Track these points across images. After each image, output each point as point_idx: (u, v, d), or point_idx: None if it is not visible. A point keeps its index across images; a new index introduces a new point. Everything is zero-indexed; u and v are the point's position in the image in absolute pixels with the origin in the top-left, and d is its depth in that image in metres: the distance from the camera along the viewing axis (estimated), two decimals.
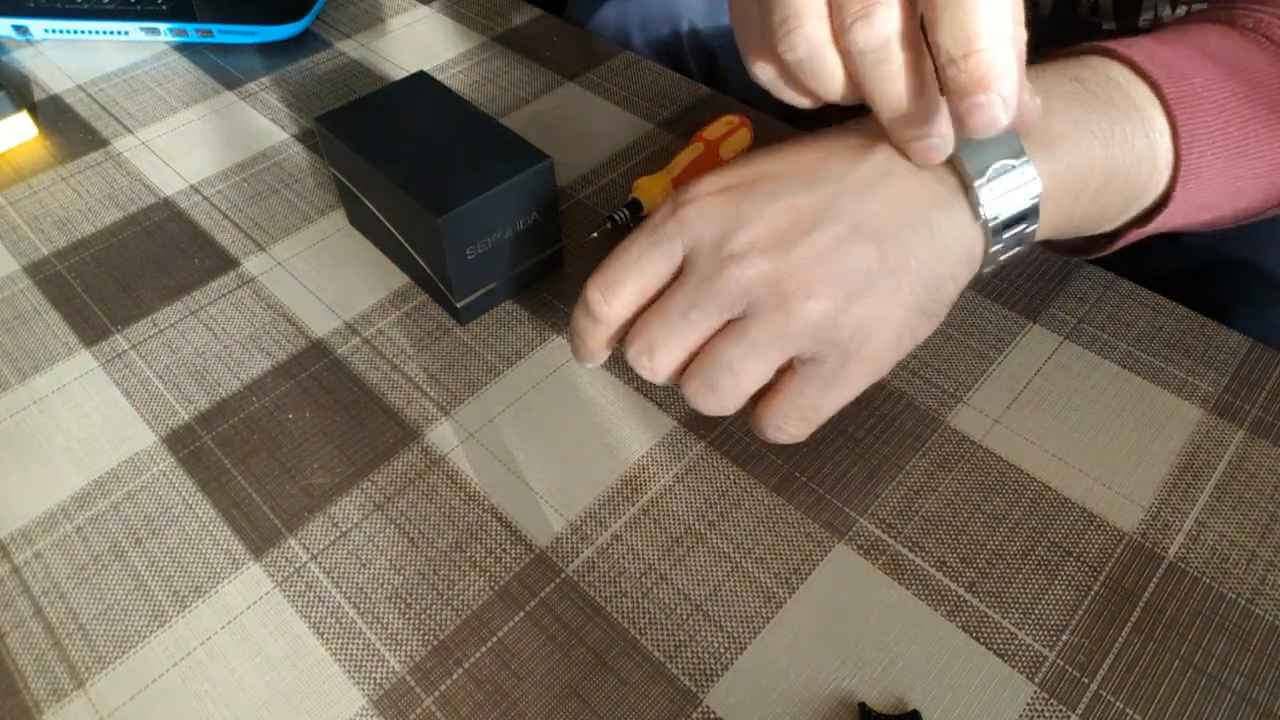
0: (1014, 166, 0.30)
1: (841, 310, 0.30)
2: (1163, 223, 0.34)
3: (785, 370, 0.32)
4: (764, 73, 0.34)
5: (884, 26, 0.28)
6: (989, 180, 0.31)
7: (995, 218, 0.31)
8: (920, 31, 0.29)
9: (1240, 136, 0.33)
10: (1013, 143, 0.31)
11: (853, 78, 0.30)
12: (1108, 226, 0.35)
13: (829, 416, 0.33)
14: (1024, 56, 0.28)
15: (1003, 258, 0.33)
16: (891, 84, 0.29)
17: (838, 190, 0.31)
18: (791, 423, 0.33)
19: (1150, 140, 0.32)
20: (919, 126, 0.30)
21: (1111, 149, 0.32)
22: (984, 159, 0.31)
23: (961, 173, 0.31)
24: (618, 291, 0.33)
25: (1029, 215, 0.32)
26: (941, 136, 0.30)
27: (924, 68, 0.29)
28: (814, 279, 0.30)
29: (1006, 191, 0.31)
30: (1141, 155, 0.32)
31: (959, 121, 0.28)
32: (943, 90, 0.29)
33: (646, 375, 0.33)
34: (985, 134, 0.29)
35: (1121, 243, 0.36)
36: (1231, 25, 0.35)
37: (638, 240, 0.33)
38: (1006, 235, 0.32)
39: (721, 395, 0.32)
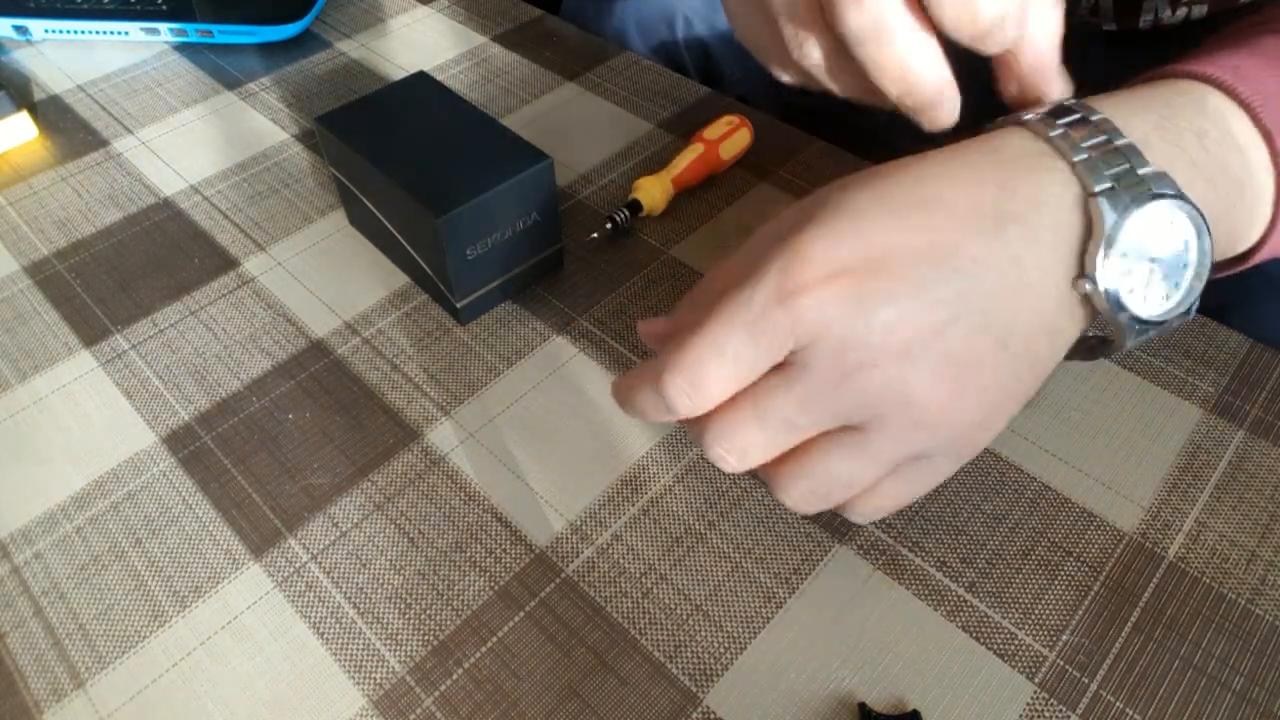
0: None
1: (974, 421, 0.28)
2: (1244, 265, 0.33)
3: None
4: (789, 77, 0.34)
5: (873, 8, 0.27)
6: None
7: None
8: (917, 6, 0.28)
9: None
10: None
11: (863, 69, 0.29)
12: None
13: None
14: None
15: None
16: (893, 59, 0.28)
17: (970, 284, 0.27)
18: (884, 513, 0.31)
19: (1253, 213, 0.30)
20: (930, 102, 0.29)
21: (1218, 230, 0.29)
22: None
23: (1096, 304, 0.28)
24: (706, 389, 0.27)
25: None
26: (949, 100, 0.29)
27: (926, 42, 0.28)
28: (947, 392, 0.27)
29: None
30: (1239, 230, 0.30)
31: (1021, 85, 0.28)
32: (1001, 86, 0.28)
33: (729, 470, 0.29)
34: (1062, 96, 0.28)
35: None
36: None
37: (733, 331, 0.27)
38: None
39: (829, 503, 0.30)
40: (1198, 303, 0.28)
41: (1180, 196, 0.27)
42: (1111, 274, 0.27)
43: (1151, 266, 0.27)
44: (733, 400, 0.28)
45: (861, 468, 0.28)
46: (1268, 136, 0.29)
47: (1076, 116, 0.28)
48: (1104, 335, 0.30)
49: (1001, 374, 0.27)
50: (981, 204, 0.27)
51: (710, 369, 0.27)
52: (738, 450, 0.28)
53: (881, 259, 0.26)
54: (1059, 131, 0.28)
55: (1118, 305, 0.27)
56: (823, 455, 0.28)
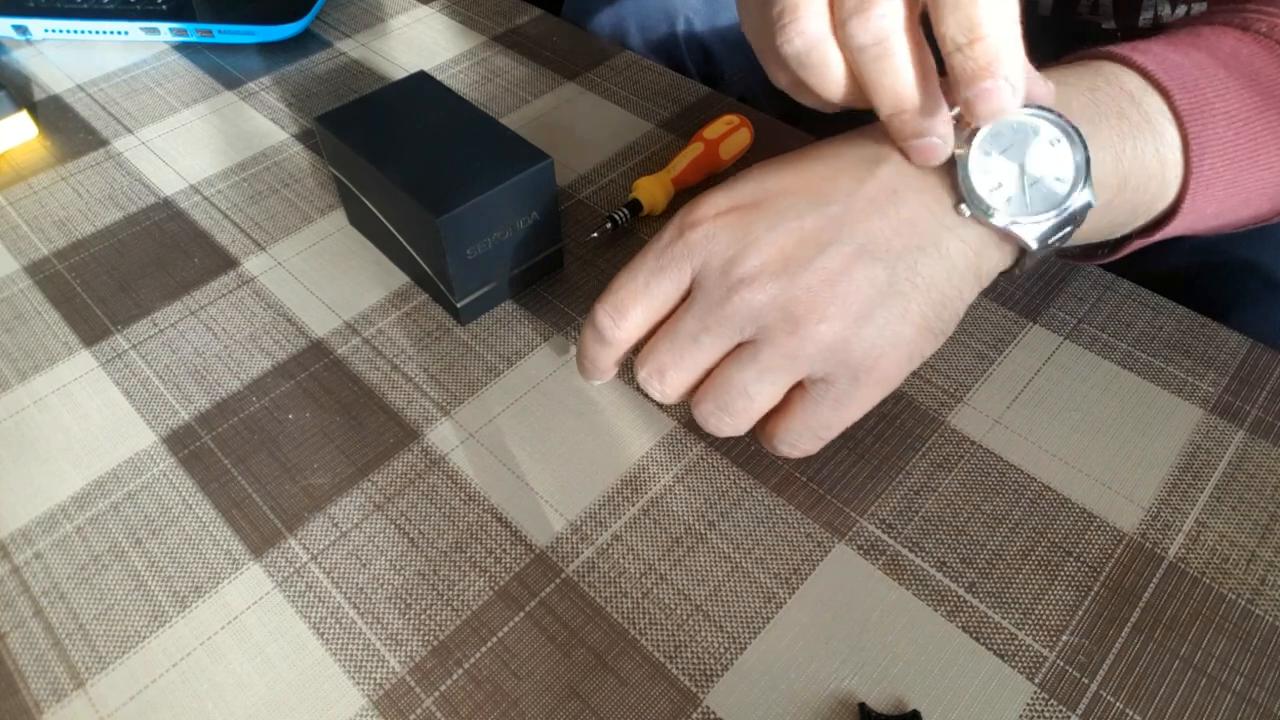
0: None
1: (852, 332, 0.30)
2: (1170, 231, 0.34)
3: (796, 389, 0.32)
4: (781, 78, 0.34)
5: (882, 21, 0.28)
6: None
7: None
8: (921, 26, 0.29)
9: (1251, 147, 0.33)
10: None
11: (853, 74, 0.30)
12: (1114, 235, 0.35)
13: (840, 431, 0.33)
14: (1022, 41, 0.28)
15: (1016, 271, 0.33)
16: (891, 79, 0.29)
17: (845, 210, 0.30)
18: (804, 440, 0.33)
19: (1160, 153, 0.32)
20: (920, 124, 0.30)
21: (1122, 162, 0.32)
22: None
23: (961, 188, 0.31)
24: (627, 315, 0.33)
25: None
26: (942, 137, 0.30)
27: (925, 64, 0.29)
28: (823, 302, 0.30)
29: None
30: (1151, 168, 0.32)
31: (967, 109, 0.28)
32: (950, 80, 0.28)
33: (657, 397, 0.33)
34: (993, 119, 0.29)
35: (1125, 251, 0.36)
36: (1245, 29, 0.35)
37: (645, 263, 0.32)
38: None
39: (735, 418, 0.32)
40: (1076, 217, 0.31)
41: (1052, 111, 0.30)
42: (981, 184, 0.30)
43: (1025, 179, 0.31)
44: (654, 332, 0.33)
45: (755, 376, 0.31)
46: (1163, 91, 0.32)
47: None
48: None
49: (883, 291, 0.30)
50: (863, 153, 0.32)
51: (626, 294, 0.33)
52: (657, 370, 0.33)
53: (764, 198, 0.31)
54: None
55: (985, 212, 0.30)
56: (723, 370, 0.32)
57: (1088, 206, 0.30)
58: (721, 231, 0.31)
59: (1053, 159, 0.30)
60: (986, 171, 0.30)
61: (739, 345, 0.31)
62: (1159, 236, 0.35)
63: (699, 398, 0.33)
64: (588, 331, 0.34)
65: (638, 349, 0.34)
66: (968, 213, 0.30)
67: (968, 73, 0.27)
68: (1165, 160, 0.32)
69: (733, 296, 0.30)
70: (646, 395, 0.34)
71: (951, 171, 0.30)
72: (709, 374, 0.32)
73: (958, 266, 0.31)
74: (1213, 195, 0.33)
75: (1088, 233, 0.33)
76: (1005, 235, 0.31)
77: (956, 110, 0.30)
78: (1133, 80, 0.32)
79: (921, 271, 0.30)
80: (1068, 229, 0.31)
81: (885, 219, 0.30)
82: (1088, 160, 0.30)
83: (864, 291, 0.30)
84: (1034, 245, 0.30)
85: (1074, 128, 0.30)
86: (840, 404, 0.32)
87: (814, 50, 0.29)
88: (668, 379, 0.33)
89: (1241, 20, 0.35)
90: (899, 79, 0.29)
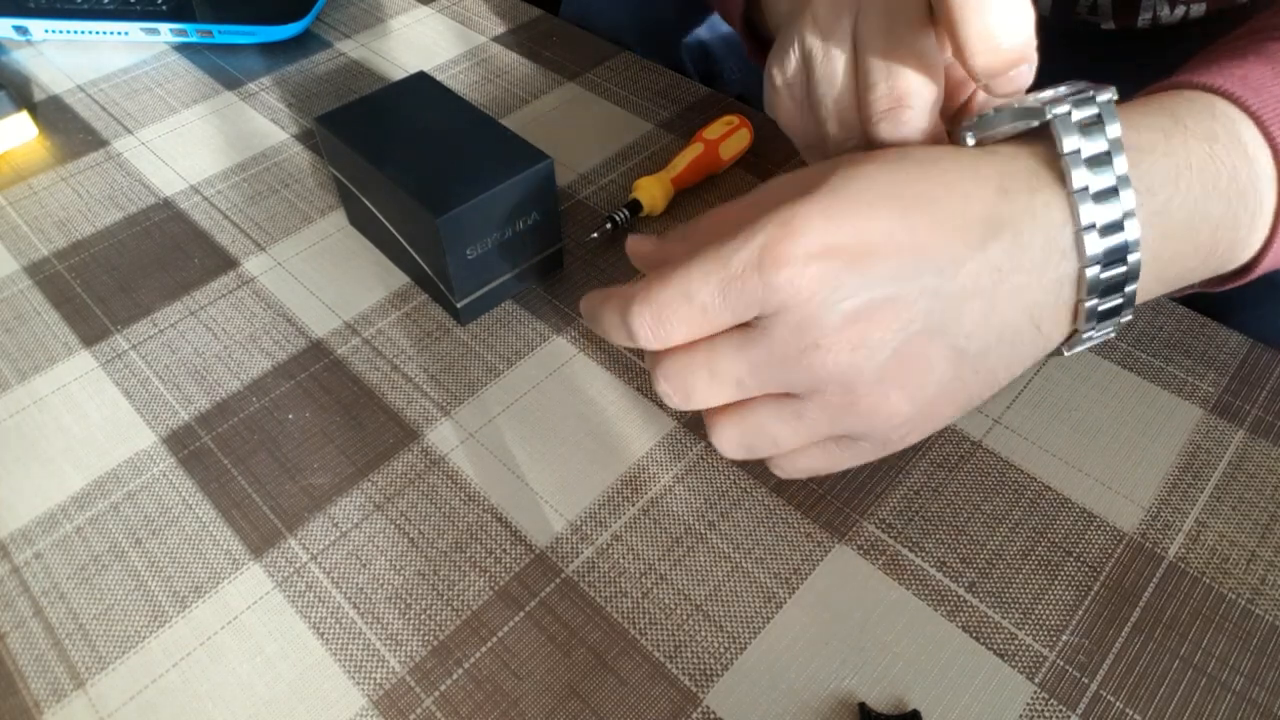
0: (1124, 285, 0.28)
1: (905, 414, 0.28)
2: (1229, 285, 0.33)
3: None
4: (793, 134, 0.36)
5: (906, 127, 0.30)
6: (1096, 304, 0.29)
7: (1093, 302, 0.29)
8: (939, 109, 0.30)
9: None
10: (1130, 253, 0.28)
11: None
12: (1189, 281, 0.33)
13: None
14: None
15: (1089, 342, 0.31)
16: (902, 134, 0.31)
17: (940, 287, 0.27)
18: (803, 475, 0.32)
19: (1255, 223, 0.30)
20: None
21: (1218, 236, 0.30)
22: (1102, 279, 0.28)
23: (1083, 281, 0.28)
24: (669, 331, 0.29)
25: (1124, 301, 0.29)
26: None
27: (937, 122, 0.31)
28: (889, 386, 0.28)
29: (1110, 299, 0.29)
30: (1241, 238, 0.30)
31: (990, 90, 0.28)
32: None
33: (670, 406, 0.31)
34: (1011, 94, 0.28)
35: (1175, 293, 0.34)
36: None
37: (708, 283, 0.28)
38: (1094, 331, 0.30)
39: (752, 455, 0.31)
40: (1131, 298, 0.29)
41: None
42: (1094, 242, 0.28)
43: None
44: (690, 345, 0.29)
45: (792, 433, 0.29)
46: (1275, 149, 0.29)
47: (1098, 152, 0.28)
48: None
49: (949, 380, 0.28)
50: (975, 210, 0.28)
51: (677, 311, 0.28)
52: (683, 392, 0.29)
53: (864, 249, 0.27)
54: (1070, 152, 0.27)
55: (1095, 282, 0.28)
56: (760, 413, 0.29)
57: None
58: (808, 284, 0.27)
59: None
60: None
61: (783, 393, 0.29)
62: (1221, 289, 0.33)
63: (722, 422, 0.30)
64: (614, 319, 0.30)
65: None
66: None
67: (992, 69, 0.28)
68: (1256, 224, 0.30)
69: (801, 360, 0.27)
70: (658, 396, 0.32)
71: (1062, 255, 0.28)
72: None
73: (1022, 354, 0.29)
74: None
75: (1153, 291, 0.32)
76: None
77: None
78: (1248, 130, 0.29)
79: (989, 359, 0.29)
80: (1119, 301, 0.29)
81: (979, 309, 0.28)
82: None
83: (930, 377, 0.28)
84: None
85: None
86: (855, 458, 0.31)
87: (850, 138, 0.32)
88: (692, 403, 0.30)
89: None
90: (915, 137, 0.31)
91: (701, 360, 0.29)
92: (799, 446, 0.30)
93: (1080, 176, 0.27)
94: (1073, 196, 0.27)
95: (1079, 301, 0.28)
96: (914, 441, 0.31)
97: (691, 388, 0.29)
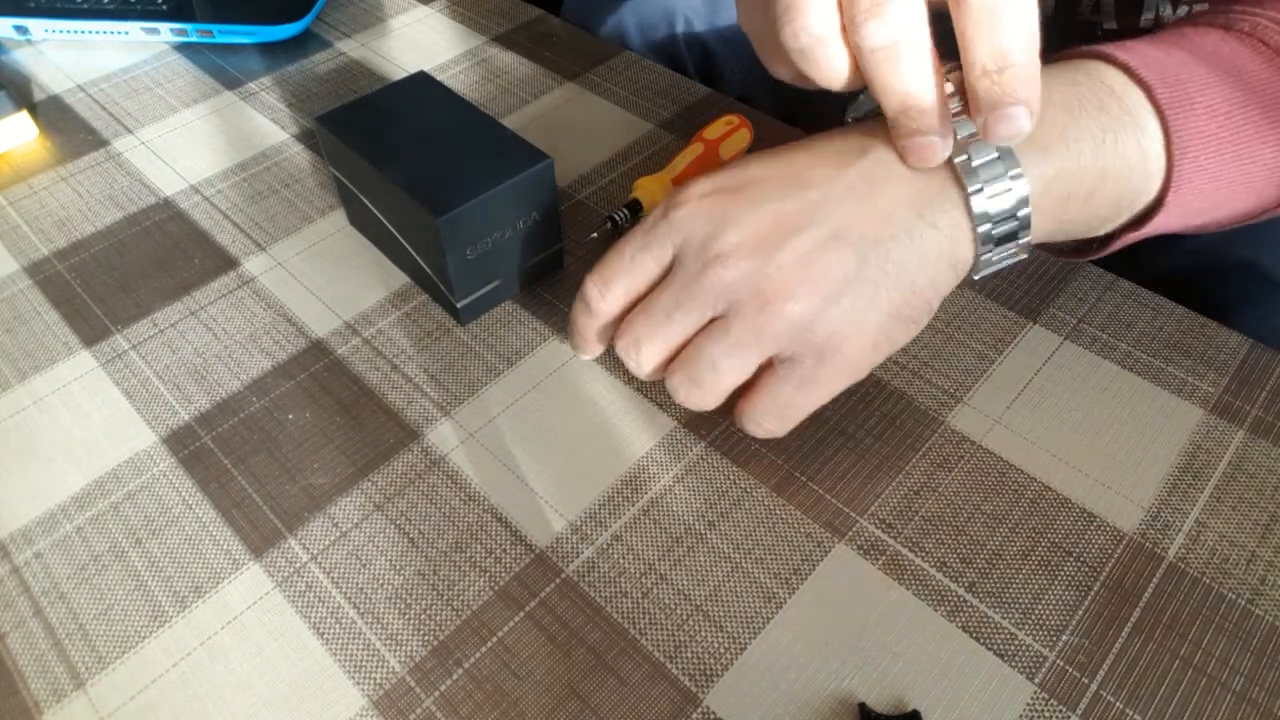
0: (1005, 174, 0.31)
1: (818, 313, 0.31)
2: (1156, 226, 0.34)
3: (766, 369, 0.33)
4: (782, 71, 0.34)
5: (896, 26, 0.28)
6: (981, 188, 0.31)
7: (983, 223, 0.31)
8: (929, 29, 0.29)
9: (1234, 141, 0.33)
10: (1008, 154, 0.31)
11: (860, 69, 0.30)
12: (1101, 230, 0.35)
13: (807, 414, 0.34)
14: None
15: (997, 265, 0.33)
16: (901, 81, 0.29)
17: (822, 196, 0.32)
18: (770, 419, 0.34)
19: (1142, 145, 0.32)
20: (924, 123, 0.30)
21: (1102, 154, 0.32)
22: (979, 170, 0.31)
23: (960, 178, 0.31)
24: (612, 287, 0.34)
25: (1020, 221, 0.32)
26: (942, 137, 0.30)
27: (933, 65, 0.29)
28: (793, 282, 0.31)
29: (995, 196, 0.31)
30: (1133, 161, 0.32)
31: (986, 130, 0.29)
32: (970, 99, 0.29)
33: (633, 368, 0.35)
34: (1012, 142, 0.30)
35: (1115, 246, 0.36)
36: (1228, 29, 0.35)
37: (632, 240, 0.34)
38: (1000, 244, 0.32)
39: (703, 390, 0.33)
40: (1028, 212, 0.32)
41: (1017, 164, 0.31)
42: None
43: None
44: (634, 307, 0.34)
45: (724, 351, 0.32)
46: (1144, 86, 0.32)
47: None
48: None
49: (852, 276, 0.31)
50: (845, 145, 0.33)
51: (614, 268, 0.34)
52: (633, 342, 0.34)
53: (746, 183, 0.33)
54: None
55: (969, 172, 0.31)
56: (694, 342, 0.33)
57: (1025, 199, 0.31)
58: (703, 212, 0.32)
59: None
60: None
61: (711, 321, 0.32)
62: (1147, 231, 0.35)
63: (671, 370, 0.34)
64: (577, 303, 0.36)
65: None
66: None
67: (993, 97, 0.28)
68: (1147, 152, 0.32)
69: (707, 272, 0.32)
70: (625, 367, 0.35)
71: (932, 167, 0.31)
72: (684, 348, 0.34)
73: (929, 256, 0.31)
74: (1197, 188, 0.33)
75: (1071, 226, 0.34)
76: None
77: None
78: (1114, 76, 0.33)
79: (893, 259, 0.31)
80: (1013, 223, 0.32)
81: (860, 206, 0.31)
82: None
83: (833, 275, 0.31)
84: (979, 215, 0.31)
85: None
86: (805, 384, 0.33)
87: (818, 47, 0.29)
88: (642, 350, 0.34)
89: (1225, 20, 0.36)
90: (908, 81, 0.29)
91: (640, 308, 0.34)
92: (738, 368, 0.32)
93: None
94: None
95: (964, 192, 0.31)
96: (860, 358, 0.32)
97: (635, 332, 0.34)
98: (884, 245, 0.31)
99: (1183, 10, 0.50)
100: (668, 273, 0.34)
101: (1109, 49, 0.33)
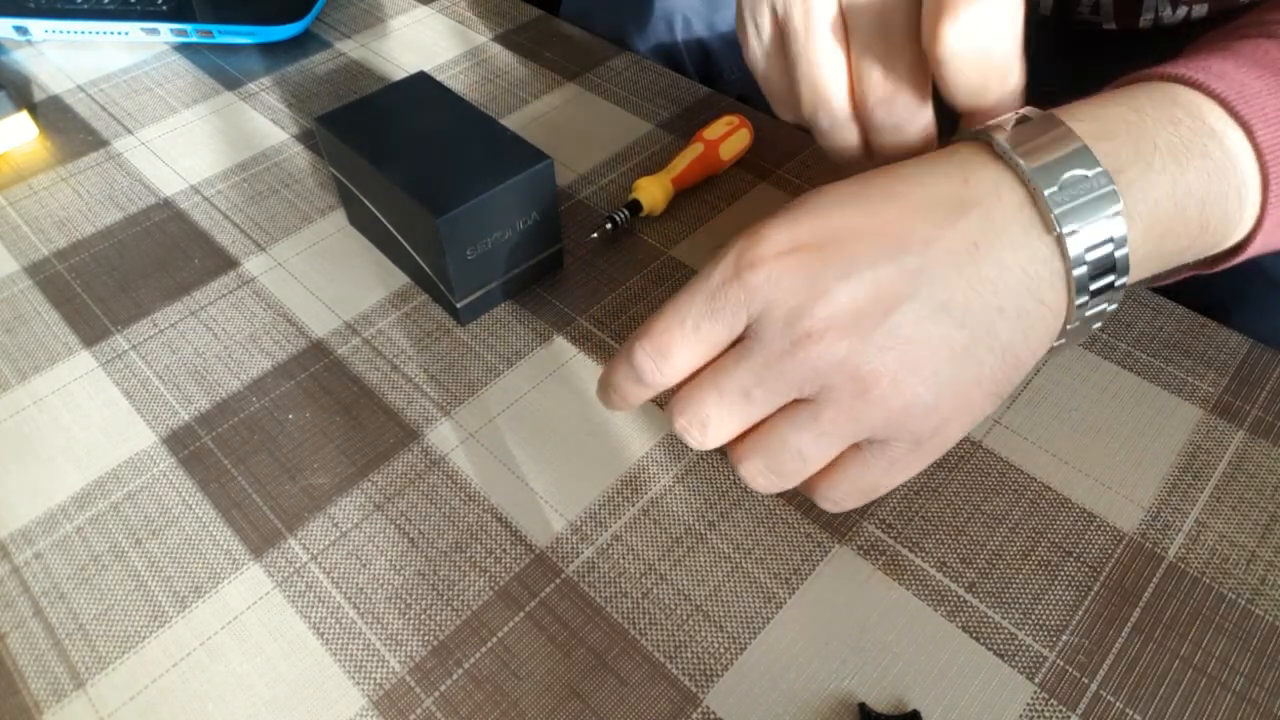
0: (1113, 249, 0.28)
1: (924, 403, 0.28)
2: (1224, 265, 0.33)
3: (849, 447, 0.30)
4: (788, 118, 0.36)
5: (902, 114, 0.31)
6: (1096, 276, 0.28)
7: (1079, 268, 0.28)
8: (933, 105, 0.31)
9: None
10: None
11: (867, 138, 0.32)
12: (1171, 265, 0.33)
13: (887, 492, 0.32)
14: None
15: (1090, 312, 0.30)
16: (905, 144, 0.32)
17: (923, 263, 0.28)
18: (851, 500, 0.31)
19: (1241, 195, 0.30)
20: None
21: (1207, 206, 0.30)
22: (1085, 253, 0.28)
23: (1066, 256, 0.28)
24: (671, 360, 0.29)
25: (1117, 265, 0.29)
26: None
27: (932, 129, 0.32)
28: (896, 367, 0.27)
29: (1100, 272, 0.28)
30: (1231, 210, 0.30)
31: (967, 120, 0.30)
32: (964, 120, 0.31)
33: (695, 446, 0.31)
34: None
35: (1170, 280, 0.35)
36: (1272, 39, 0.32)
37: (694, 303, 0.29)
38: (1094, 290, 0.29)
39: (784, 479, 0.30)
40: (1123, 277, 0.29)
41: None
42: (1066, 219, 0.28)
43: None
44: (697, 375, 0.30)
45: (813, 440, 0.29)
46: (1245, 127, 0.29)
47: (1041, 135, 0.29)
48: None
49: (959, 356, 0.28)
50: (939, 195, 0.28)
51: (674, 336, 0.29)
52: (699, 421, 0.29)
53: (834, 239, 0.28)
54: (1021, 150, 0.28)
55: (1078, 260, 0.28)
56: (776, 428, 0.29)
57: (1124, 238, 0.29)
58: (785, 277, 0.28)
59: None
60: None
61: (795, 401, 0.29)
62: (1215, 269, 0.33)
63: (744, 453, 0.30)
64: (622, 369, 0.31)
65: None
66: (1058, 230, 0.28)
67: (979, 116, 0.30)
68: (1244, 201, 0.30)
69: (797, 353, 0.27)
70: (682, 441, 0.32)
71: (1033, 226, 0.28)
72: (756, 425, 0.30)
73: (1035, 329, 0.29)
74: (1276, 237, 0.32)
75: (1154, 270, 0.32)
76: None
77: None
78: (1213, 112, 0.30)
79: (1000, 335, 0.28)
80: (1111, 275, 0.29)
81: (964, 276, 0.28)
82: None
83: (939, 356, 0.28)
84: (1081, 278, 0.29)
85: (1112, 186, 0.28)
86: (895, 467, 0.30)
87: (839, 129, 0.32)
88: (710, 432, 0.30)
89: (1260, 30, 0.33)
90: (912, 144, 0.32)
91: (707, 383, 0.29)
92: (824, 456, 0.29)
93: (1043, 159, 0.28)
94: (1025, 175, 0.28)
95: (1068, 270, 0.28)
96: (955, 437, 0.29)
97: (703, 412, 0.29)
98: (990, 319, 0.28)
99: (1182, 11, 0.50)
100: (736, 340, 0.29)
101: (1196, 73, 0.30)
